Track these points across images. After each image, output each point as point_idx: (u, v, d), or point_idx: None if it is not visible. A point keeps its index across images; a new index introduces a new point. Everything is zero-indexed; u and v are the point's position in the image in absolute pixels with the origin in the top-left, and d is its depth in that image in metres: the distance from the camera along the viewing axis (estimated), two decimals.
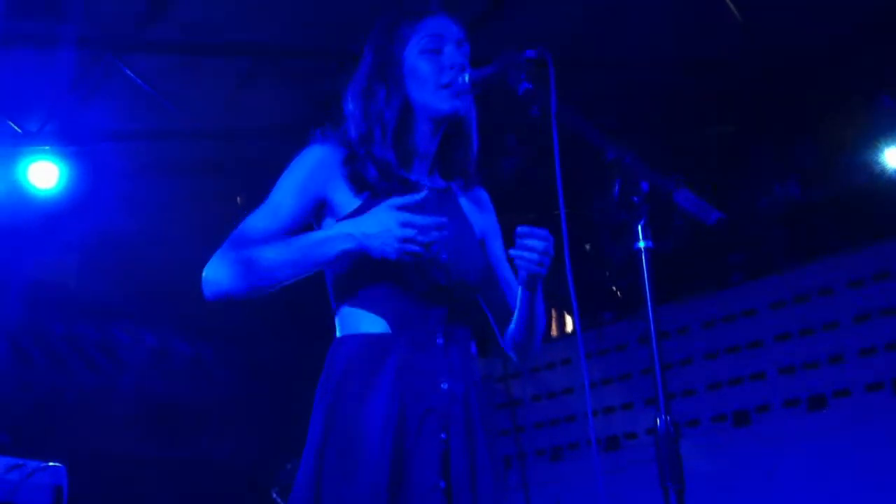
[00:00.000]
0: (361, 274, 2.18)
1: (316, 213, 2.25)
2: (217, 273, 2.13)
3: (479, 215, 2.40)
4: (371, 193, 2.20)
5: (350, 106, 2.29)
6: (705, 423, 6.60)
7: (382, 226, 2.03)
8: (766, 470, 6.13)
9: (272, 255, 2.09)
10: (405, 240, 2.02)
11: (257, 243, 2.13)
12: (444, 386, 2.14)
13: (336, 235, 2.08)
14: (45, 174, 6.17)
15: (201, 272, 2.14)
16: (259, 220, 2.20)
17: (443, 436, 2.11)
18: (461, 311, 2.24)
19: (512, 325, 2.37)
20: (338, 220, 2.20)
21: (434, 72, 2.23)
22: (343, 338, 2.21)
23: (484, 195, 2.44)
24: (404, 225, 2.02)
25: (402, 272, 2.15)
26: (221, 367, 8.83)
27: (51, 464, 4.30)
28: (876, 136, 6.25)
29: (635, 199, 1.84)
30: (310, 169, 2.22)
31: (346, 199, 2.21)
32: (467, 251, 2.27)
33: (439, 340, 2.18)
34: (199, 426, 8.72)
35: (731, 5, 5.60)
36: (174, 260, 7.62)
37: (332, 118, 2.33)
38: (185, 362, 8.70)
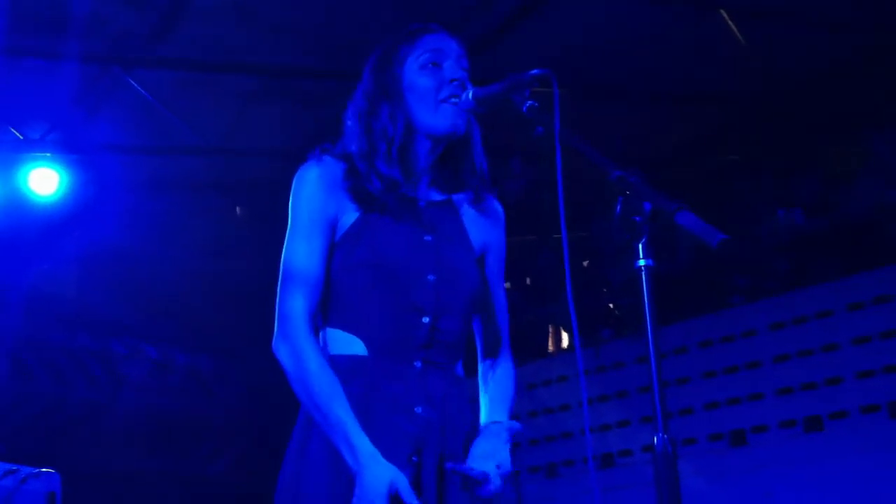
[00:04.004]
0: (344, 295, 2.18)
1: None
2: (283, 362, 2.15)
3: (485, 229, 2.35)
4: (367, 209, 2.20)
5: (350, 123, 2.28)
6: (702, 443, 6.60)
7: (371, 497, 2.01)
8: (763, 491, 6.13)
9: (316, 400, 2.09)
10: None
11: (310, 321, 2.16)
12: (419, 410, 2.13)
13: (352, 451, 2.04)
14: (45, 181, 6.18)
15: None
16: (299, 259, 2.18)
17: (415, 459, 2.11)
18: (446, 333, 2.20)
19: (485, 396, 2.35)
20: (340, 235, 2.20)
21: (434, 86, 2.22)
22: None
23: (496, 207, 2.39)
24: None
25: (384, 296, 2.16)
26: (220, 382, 8.81)
27: (44, 470, 4.31)
28: (876, 166, 6.29)
29: (637, 218, 1.83)
30: (324, 190, 2.20)
31: (347, 212, 2.22)
32: (460, 271, 2.24)
33: (417, 364, 2.16)
34: (198, 440, 8.70)
35: (734, 28, 5.64)
36: (175, 273, 7.66)
37: (332, 138, 2.32)
38: (184, 376, 8.68)
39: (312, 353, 2.12)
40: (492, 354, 2.40)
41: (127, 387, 8.30)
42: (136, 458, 8.21)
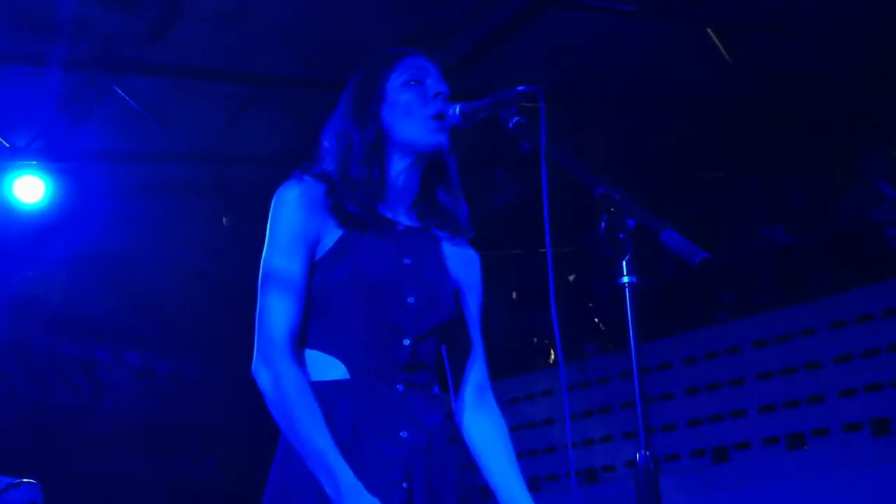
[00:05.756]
0: (323, 315, 2.15)
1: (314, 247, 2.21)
2: (262, 387, 2.09)
3: (460, 267, 2.34)
4: (348, 229, 2.18)
5: (327, 143, 2.27)
6: (684, 459, 6.61)
7: None
8: None
9: (297, 429, 2.03)
10: None
11: (293, 333, 2.10)
12: (404, 435, 2.10)
13: (333, 483, 1.98)
14: (30, 189, 6.16)
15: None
16: (280, 271, 2.14)
17: (405, 485, 2.07)
18: (425, 355, 2.19)
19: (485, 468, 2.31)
20: (320, 255, 2.17)
21: (420, 102, 2.21)
22: None
23: (473, 255, 2.38)
24: None
25: (365, 317, 2.13)
26: (205, 386, 8.80)
27: (25, 480, 4.27)
28: (863, 181, 6.33)
29: (621, 235, 1.83)
30: (305, 209, 2.17)
31: (328, 232, 2.19)
32: (438, 296, 2.23)
33: (399, 387, 2.14)
34: (183, 444, 8.69)
35: (721, 47, 5.68)
36: (159, 280, 7.64)
37: (317, 153, 2.31)
38: (167, 381, 8.67)
39: (293, 379, 2.06)
40: (478, 402, 2.35)
41: (110, 392, 8.29)
42: (121, 462, 8.18)
